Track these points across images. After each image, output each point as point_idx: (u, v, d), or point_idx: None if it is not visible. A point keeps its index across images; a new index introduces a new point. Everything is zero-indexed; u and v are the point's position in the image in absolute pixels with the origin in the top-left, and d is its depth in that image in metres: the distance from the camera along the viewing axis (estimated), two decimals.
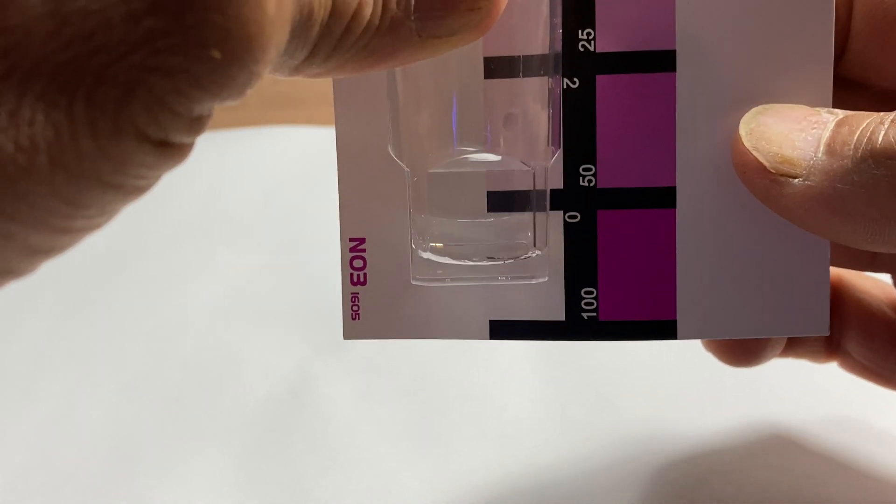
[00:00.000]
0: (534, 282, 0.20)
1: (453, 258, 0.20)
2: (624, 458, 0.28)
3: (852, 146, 0.18)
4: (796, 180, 0.18)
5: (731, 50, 0.20)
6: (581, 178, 0.21)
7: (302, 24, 0.14)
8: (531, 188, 0.20)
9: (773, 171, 0.19)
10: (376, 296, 0.21)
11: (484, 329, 0.21)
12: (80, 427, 0.30)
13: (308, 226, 0.40)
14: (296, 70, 0.15)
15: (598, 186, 0.21)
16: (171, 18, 0.12)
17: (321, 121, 0.50)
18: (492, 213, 0.20)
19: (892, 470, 0.27)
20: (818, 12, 0.19)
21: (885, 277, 0.26)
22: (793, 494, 0.26)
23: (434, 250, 0.20)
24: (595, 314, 0.21)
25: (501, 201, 0.20)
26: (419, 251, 0.20)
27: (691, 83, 0.20)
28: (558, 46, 0.20)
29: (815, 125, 0.19)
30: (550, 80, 0.19)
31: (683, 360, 0.31)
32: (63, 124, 0.12)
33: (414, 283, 0.20)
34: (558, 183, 0.21)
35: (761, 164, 0.19)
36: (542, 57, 0.19)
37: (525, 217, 0.20)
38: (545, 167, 0.20)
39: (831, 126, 0.18)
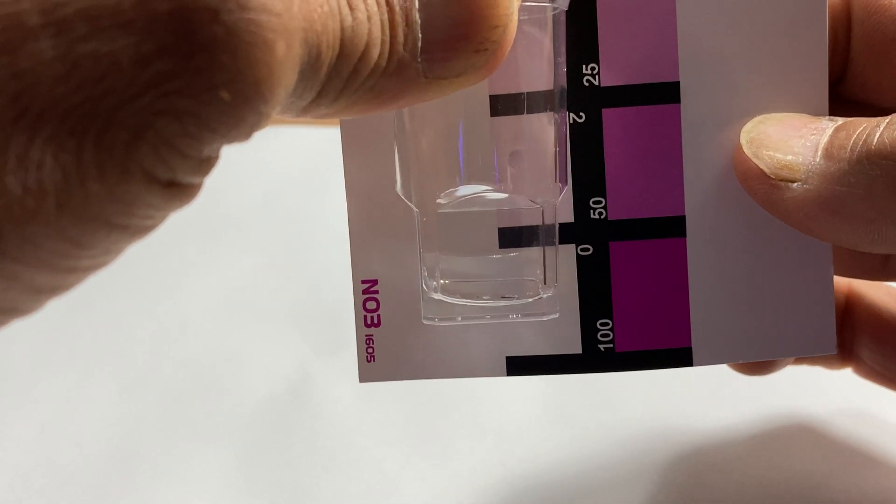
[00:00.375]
0: (545, 319, 0.20)
1: (464, 297, 0.20)
2: (624, 457, 0.28)
3: (849, 149, 0.18)
4: (795, 185, 0.18)
5: (733, 79, 0.20)
6: (592, 211, 0.21)
7: (310, 65, 0.14)
8: (540, 223, 0.20)
9: (773, 177, 0.19)
10: (391, 337, 0.21)
11: (500, 366, 0.21)
12: (80, 427, 0.30)
13: (308, 226, 0.40)
14: (304, 111, 0.15)
15: (609, 218, 0.21)
16: (179, 61, 0.12)
17: (321, 121, 0.50)
18: (503, 250, 0.20)
19: (894, 466, 0.27)
20: (813, 39, 0.20)
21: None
22: (793, 493, 0.26)
23: (445, 289, 0.20)
24: (612, 345, 0.21)
25: (512, 237, 0.20)
26: (430, 291, 0.20)
27: (696, 113, 0.20)
28: (563, 82, 0.20)
29: (815, 132, 0.19)
30: (556, 116, 0.20)
31: None
32: (72, 167, 0.12)
33: (425, 322, 0.20)
34: (569, 216, 0.21)
35: (761, 170, 0.19)
36: (548, 93, 0.19)
37: (534, 253, 0.20)
38: (553, 204, 0.20)
39: (829, 132, 0.19)
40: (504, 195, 0.19)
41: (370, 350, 0.21)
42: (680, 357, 0.21)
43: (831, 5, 0.21)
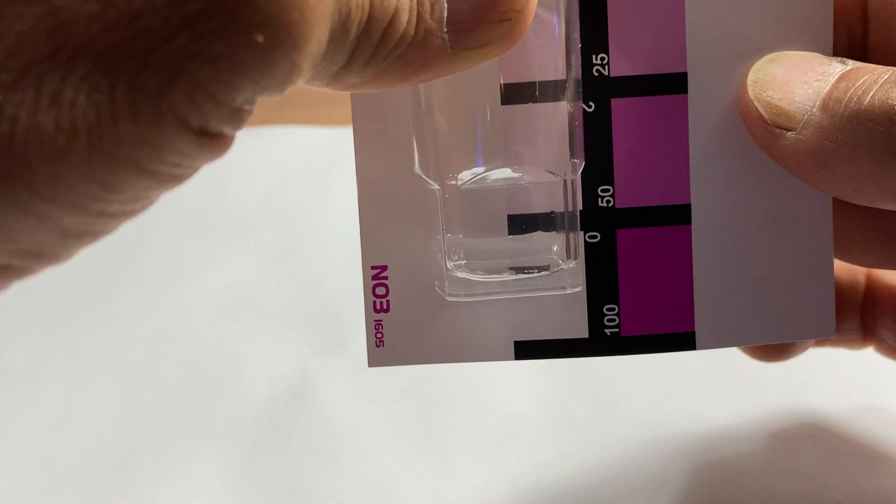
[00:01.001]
0: (568, 292, 0.21)
1: (487, 273, 0.20)
2: (624, 456, 0.28)
3: (843, 103, 0.18)
4: (790, 133, 0.19)
5: (739, 70, 0.20)
6: (600, 199, 0.21)
7: (341, 24, 0.14)
8: (554, 210, 0.20)
9: (771, 123, 0.19)
10: (400, 322, 0.21)
11: (509, 350, 0.22)
12: (80, 427, 0.30)
13: (308, 226, 0.40)
14: (334, 78, 0.16)
15: (617, 206, 0.21)
16: (213, 1, 0.12)
17: (321, 121, 0.50)
18: (517, 235, 0.21)
19: (894, 468, 0.27)
20: (819, 31, 0.20)
21: None
22: (794, 493, 0.26)
23: (467, 267, 0.20)
24: (618, 330, 0.22)
25: (529, 222, 0.21)
26: (453, 270, 0.20)
27: (702, 104, 0.21)
28: (578, 66, 0.20)
29: (820, 76, 0.19)
30: (571, 98, 0.20)
31: (684, 357, 0.31)
32: (105, 108, 0.12)
33: (449, 299, 0.21)
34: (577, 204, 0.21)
35: (760, 114, 0.19)
36: (561, 81, 0.20)
37: (553, 236, 0.20)
38: (573, 179, 0.20)
39: (833, 80, 0.19)
40: (523, 172, 0.20)
41: (379, 335, 0.21)
42: (684, 341, 0.22)
43: (848, 3, 0.21)
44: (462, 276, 0.20)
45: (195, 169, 0.14)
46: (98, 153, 0.12)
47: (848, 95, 0.18)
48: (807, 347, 0.26)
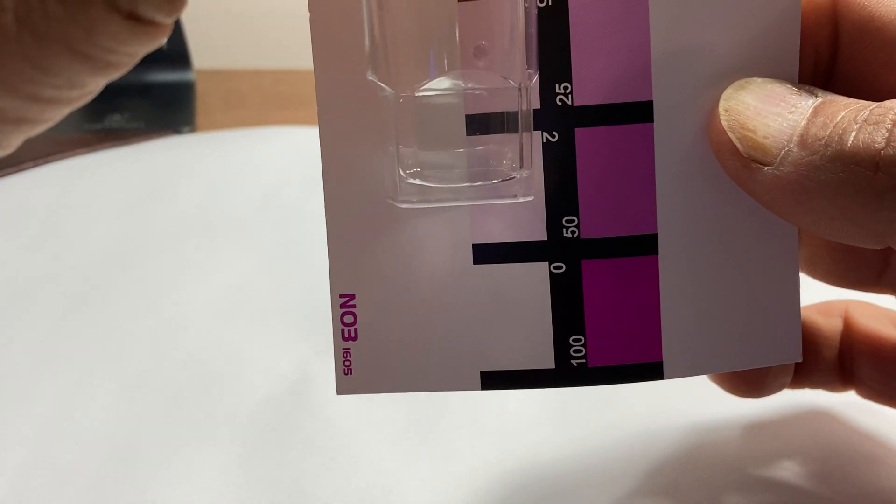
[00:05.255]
0: (521, 200, 0.20)
1: (439, 182, 0.20)
2: (624, 456, 0.28)
3: (824, 142, 0.17)
4: (767, 168, 0.18)
5: (706, 97, 0.20)
6: (564, 230, 0.21)
7: None
8: (511, 109, 0.19)
9: (746, 156, 0.19)
10: (368, 350, 0.21)
11: (475, 380, 0.22)
12: (80, 427, 0.30)
13: (308, 226, 0.40)
14: None
15: (582, 237, 0.21)
16: None
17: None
18: (474, 137, 0.20)
19: (893, 469, 0.27)
20: (786, 60, 0.20)
21: (891, 299, 0.26)
22: (794, 492, 0.26)
23: (420, 176, 0.20)
24: (584, 360, 0.21)
25: (483, 123, 0.20)
26: (406, 178, 0.20)
27: (669, 132, 0.21)
28: None
29: (793, 109, 0.19)
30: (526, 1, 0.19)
31: None
32: None
33: (401, 206, 0.20)
34: (542, 234, 0.21)
35: (734, 146, 0.19)
36: None
37: (508, 139, 0.20)
38: (527, 87, 0.20)
39: (808, 113, 0.18)
40: (478, 80, 0.19)
41: (347, 363, 0.21)
42: (651, 371, 0.22)
43: (816, 22, 0.21)
44: (415, 183, 0.20)
45: (131, 57, 0.14)
46: (27, 31, 0.12)
47: (829, 133, 0.18)
48: (783, 386, 0.26)
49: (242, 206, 0.42)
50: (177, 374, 0.32)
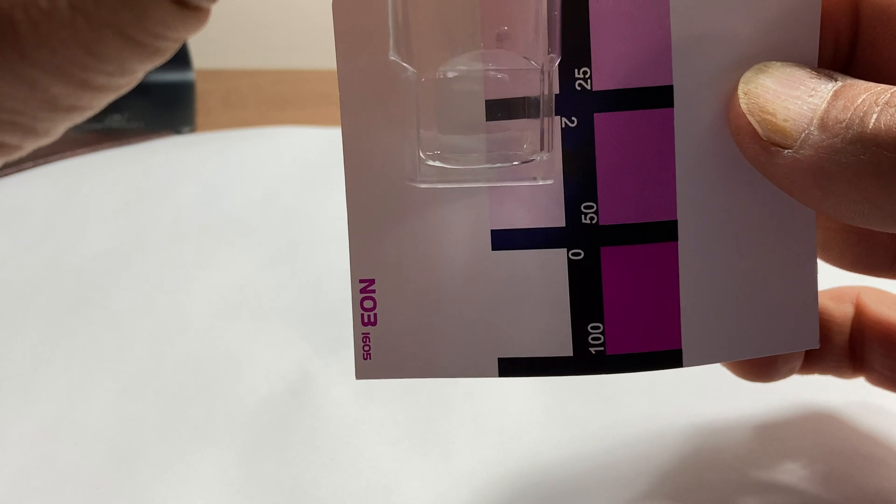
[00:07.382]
0: (540, 182, 0.20)
1: (459, 164, 0.20)
2: (624, 457, 0.28)
3: (845, 124, 0.17)
4: (786, 151, 0.18)
5: (726, 82, 0.20)
6: (583, 216, 0.21)
7: None
8: (531, 94, 0.19)
9: (765, 139, 0.19)
10: (387, 336, 0.21)
11: (493, 366, 0.21)
12: (80, 427, 0.30)
13: (308, 226, 0.40)
14: None
15: (601, 223, 0.21)
16: None
17: (321, 121, 0.50)
18: (494, 122, 0.20)
19: (893, 469, 0.27)
20: (806, 44, 0.20)
21: None
22: (793, 492, 0.26)
23: (439, 157, 0.20)
24: (602, 349, 0.21)
25: (503, 108, 0.20)
26: (426, 159, 0.20)
27: (689, 117, 0.20)
28: None
29: (813, 93, 0.18)
30: None
31: None
32: None
33: (422, 186, 0.20)
34: (561, 221, 0.21)
35: (754, 129, 0.19)
36: None
37: (529, 124, 0.20)
38: (549, 71, 0.19)
39: (828, 96, 0.18)
40: (500, 61, 0.19)
41: (366, 348, 0.21)
42: (670, 358, 0.21)
43: (837, 7, 0.21)
44: (435, 165, 0.20)
45: (176, 42, 0.14)
46: (80, 16, 0.13)
47: (850, 116, 0.17)
48: (793, 371, 0.26)
49: (242, 206, 0.42)
50: (177, 374, 0.32)
